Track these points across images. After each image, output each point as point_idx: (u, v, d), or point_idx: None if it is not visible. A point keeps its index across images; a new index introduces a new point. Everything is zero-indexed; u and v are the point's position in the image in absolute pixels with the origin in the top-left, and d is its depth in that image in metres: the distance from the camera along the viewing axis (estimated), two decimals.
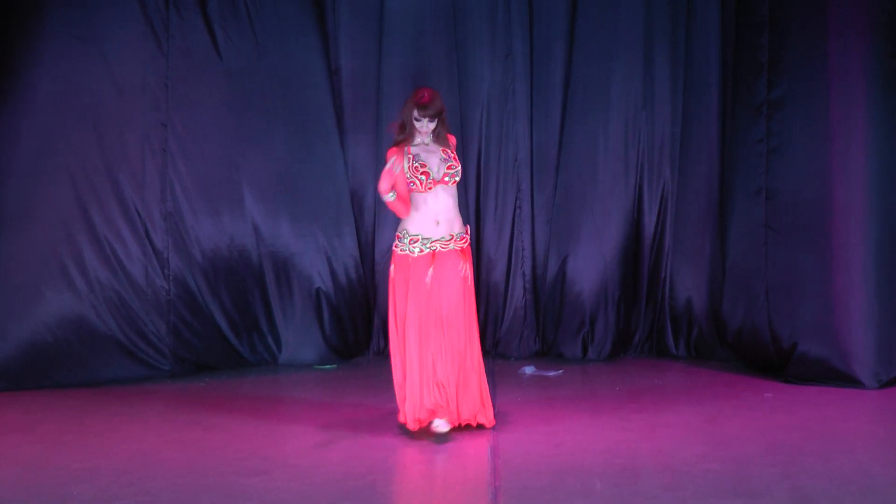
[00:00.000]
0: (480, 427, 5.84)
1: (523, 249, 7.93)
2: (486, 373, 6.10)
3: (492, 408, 5.92)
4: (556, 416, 6.34)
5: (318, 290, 7.80)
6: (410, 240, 5.60)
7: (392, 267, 5.74)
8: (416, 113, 5.55)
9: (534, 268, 7.93)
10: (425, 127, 5.57)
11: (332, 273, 7.81)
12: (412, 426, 5.75)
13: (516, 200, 7.92)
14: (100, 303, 7.30)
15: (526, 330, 7.96)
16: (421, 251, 5.57)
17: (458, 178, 5.66)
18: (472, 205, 7.86)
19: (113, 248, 7.39)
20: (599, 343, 7.85)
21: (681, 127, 7.77)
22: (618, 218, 7.81)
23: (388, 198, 5.61)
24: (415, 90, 5.73)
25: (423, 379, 5.60)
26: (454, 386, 5.63)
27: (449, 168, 5.57)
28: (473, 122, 7.85)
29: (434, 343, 5.57)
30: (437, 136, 5.64)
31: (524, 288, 7.96)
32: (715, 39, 7.63)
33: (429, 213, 5.58)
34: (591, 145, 7.77)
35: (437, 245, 5.57)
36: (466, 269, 5.63)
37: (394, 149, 5.67)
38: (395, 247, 5.69)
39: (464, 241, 5.68)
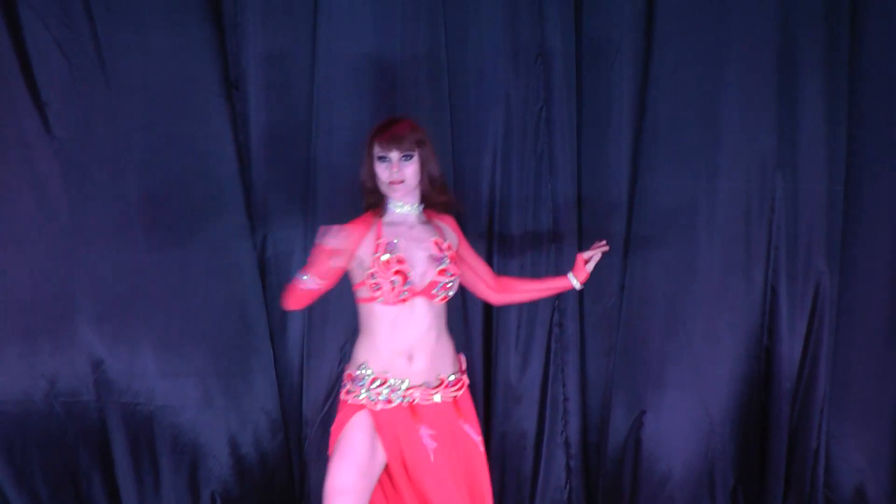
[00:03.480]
0: None
1: (566, 399, 6.04)
2: None
3: None
4: None
5: (207, 471, 5.98)
6: (373, 380, 4.51)
7: (337, 426, 4.53)
8: (377, 148, 4.47)
9: (584, 431, 6.11)
10: (396, 172, 4.45)
11: (232, 442, 5.91)
12: None
13: (553, 313, 6.05)
14: None
15: None
16: (389, 401, 4.50)
17: (452, 294, 4.56)
18: (476, 320, 6.05)
19: None
20: None
21: (844, 184, 6.12)
22: (732, 346, 6.17)
23: (305, 283, 4.49)
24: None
25: None
26: None
27: (441, 273, 4.50)
28: (477, 174, 6.04)
29: None
30: (428, 203, 4.59)
31: (567, 468, 6.06)
32: None
33: (396, 340, 4.48)
34: (685, 216, 6.09)
35: (416, 394, 4.48)
36: (474, 434, 4.57)
37: (358, 220, 4.60)
38: (346, 392, 4.57)
39: (459, 385, 4.58)
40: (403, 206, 4.55)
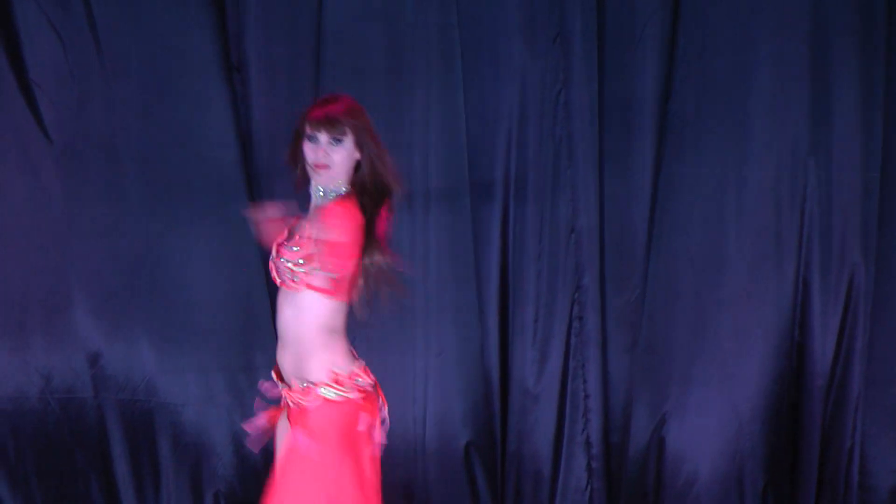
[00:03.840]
0: None
1: (587, 397, 5.90)
2: None
3: None
4: None
5: (210, 471, 5.83)
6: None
7: (338, 430, 4.07)
8: (308, 126, 4.13)
9: (605, 432, 5.96)
10: (322, 156, 4.12)
11: (237, 440, 5.75)
12: None
13: (573, 306, 5.89)
14: None
15: None
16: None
17: (309, 285, 4.08)
18: (492, 313, 5.88)
19: None
20: None
21: (880, 172, 5.98)
22: (763, 342, 6.01)
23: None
24: None
25: None
26: None
27: (292, 259, 4.15)
28: (493, 159, 5.89)
29: None
30: (363, 194, 4.23)
31: (589, 469, 5.92)
32: None
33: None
34: (714, 205, 5.97)
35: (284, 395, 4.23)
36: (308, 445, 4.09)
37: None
38: (339, 384, 4.11)
39: (308, 394, 4.11)
40: (320, 192, 4.25)
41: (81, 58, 5.52)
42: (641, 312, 5.89)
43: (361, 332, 5.49)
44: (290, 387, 4.13)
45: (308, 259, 4.10)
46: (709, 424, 5.89)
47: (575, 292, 5.81)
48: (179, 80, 5.64)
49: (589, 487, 5.90)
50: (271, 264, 4.16)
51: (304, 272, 4.10)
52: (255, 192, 5.81)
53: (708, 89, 5.82)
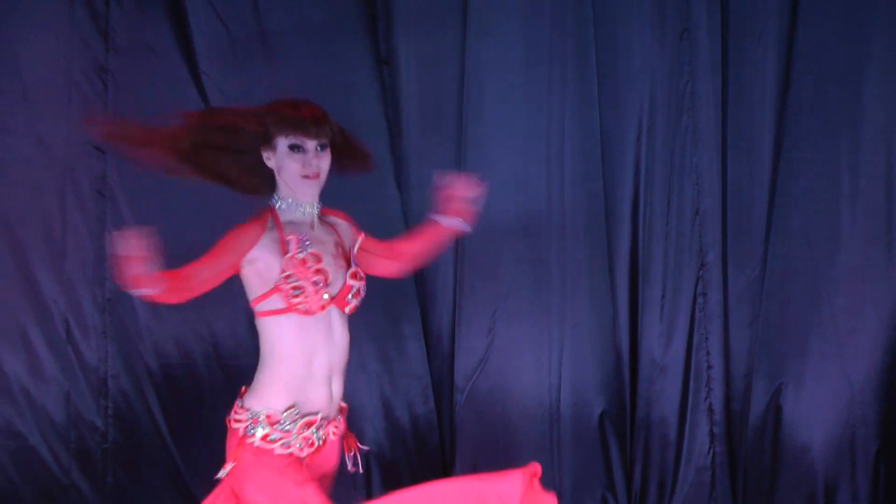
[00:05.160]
0: None
1: (710, 368, 6.03)
2: None
3: None
4: None
5: (360, 433, 5.60)
6: (305, 422, 3.59)
7: (235, 476, 3.58)
8: (287, 134, 3.59)
9: (727, 400, 6.09)
10: (313, 165, 3.62)
11: (386, 405, 5.93)
12: None
13: (697, 284, 6.04)
14: None
15: None
16: (312, 445, 3.66)
17: (360, 301, 3.76)
18: (623, 290, 6.04)
19: (9, 362, 5.66)
20: None
21: None
22: (875, 316, 6.08)
23: (145, 294, 3.43)
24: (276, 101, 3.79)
25: None
26: None
27: (354, 277, 3.68)
28: (624, 148, 6.01)
29: None
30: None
31: (711, 434, 6.05)
32: None
33: (313, 358, 3.63)
34: (829, 189, 6.04)
35: (331, 429, 3.67)
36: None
37: (252, 220, 3.67)
38: (243, 430, 3.58)
39: (344, 412, 3.82)
40: (305, 206, 3.71)
41: (246, 49, 5.68)
42: (761, 289, 6.00)
43: (503, 304, 5.75)
44: (329, 419, 3.69)
45: (364, 277, 3.77)
46: (823, 394, 5.99)
47: (699, 270, 5.97)
48: (334, 71, 5.78)
49: (711, 451, 6.05)
50: (309, 283, 3.58)
51: (362, 289, 3.77)
52: (403, 175, 5.94)
53: (823, 81, 5.91)
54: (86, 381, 5.67)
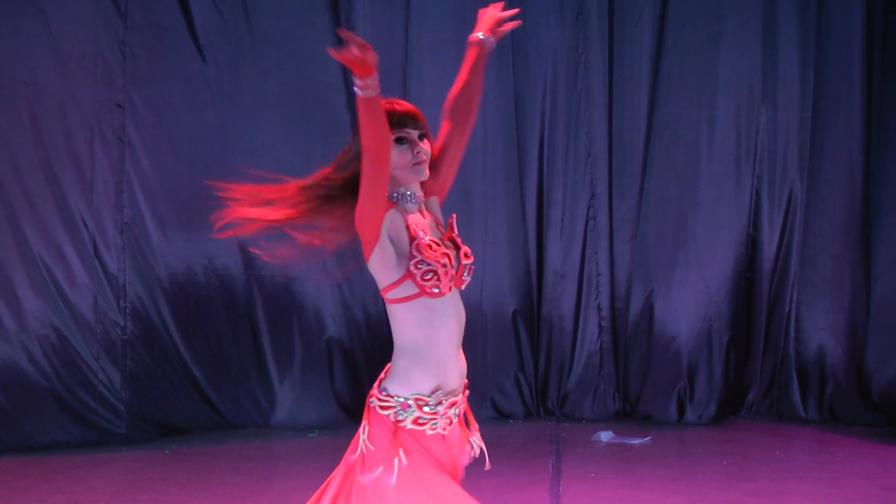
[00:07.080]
0: None
1: (598, 275, 7.00)
2: (549, 440, 5.69)
3: None
4: (640, 499, 5.82)
5: (324, 328, 6.89)
6: (417, 399, 3.31)
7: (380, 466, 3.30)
8: (395, 131, 3.30)
9: (612, 300, 7.03)
10: (422, 150, 3.36)
11: (345, 306, 6.86)
12: None
13: (589, 209, 6.99)
14: (34, 345, 6.61)
15: (602, 383, 7.04)
16: (447, 421, 3.40)
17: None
18: (531, 214, 6.98)
19: (50, 271, 6.58)
20: (701, 402, 7.10)
21: (812, 112, 6.96)
22: (726, 235, 7.02)
23: (361, 92, 3.06)
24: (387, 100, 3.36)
25: None
26: None
27: (467, 257, 3.43)
28: (533, 104, 6.95)
29: None
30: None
31: (599, 327, 7.02)
32: None
33: (445, 338, 3.38)
34: (691, 137, 6.94)
35: (461, 405, 3.43)
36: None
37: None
38: (394, 416, 3.33)
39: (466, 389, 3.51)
40: (414, 192, 3.42)
41: (235, 27, 6.58)
42: (638, 215, 6.94)
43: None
44: (458, 396, 3.41)
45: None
46: (686, 296, 6.95)
47: (591, 199, 6.92)
48: (304, 43, 6.68)
49: (600, 340, 7.03)
50: (440, 266, 3.28)
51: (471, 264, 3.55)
52: (355, 127, 6.52)
53: (687, 53, 6.86)
54: (109, 287, 6.58)
